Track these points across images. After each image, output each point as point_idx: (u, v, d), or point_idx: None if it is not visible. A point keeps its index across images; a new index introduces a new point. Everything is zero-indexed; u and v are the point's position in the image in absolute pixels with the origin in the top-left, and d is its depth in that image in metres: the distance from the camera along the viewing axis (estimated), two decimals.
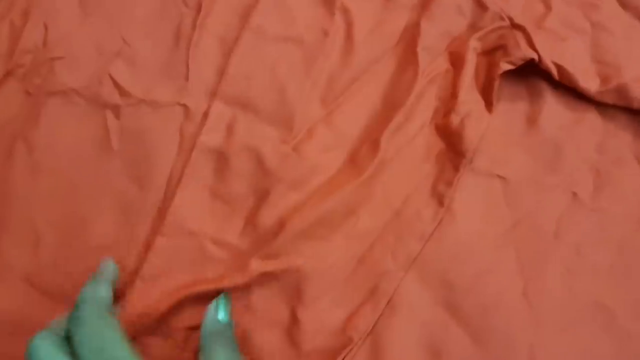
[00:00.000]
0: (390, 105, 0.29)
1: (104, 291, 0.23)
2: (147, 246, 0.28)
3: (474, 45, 0.29)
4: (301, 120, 0.29)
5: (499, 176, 0.29)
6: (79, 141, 0.30)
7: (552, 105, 0.30)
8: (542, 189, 0.29)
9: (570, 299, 0.27)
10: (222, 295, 0.26)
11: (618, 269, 0.28)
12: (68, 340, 0.21)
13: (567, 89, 0.29)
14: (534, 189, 0.29)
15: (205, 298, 0.26)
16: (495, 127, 0.29)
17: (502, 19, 0.30)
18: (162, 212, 0.28)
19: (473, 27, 0.30)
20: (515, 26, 0.29)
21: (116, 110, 0.30)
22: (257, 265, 0.26)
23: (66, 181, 0.29)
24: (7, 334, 0.27)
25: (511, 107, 0.30)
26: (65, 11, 0.31)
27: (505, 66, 0.28)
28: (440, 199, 0.28)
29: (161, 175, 0.29)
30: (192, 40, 0.30)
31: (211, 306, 0.25)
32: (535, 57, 0.28)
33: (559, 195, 0.29)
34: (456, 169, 0.28)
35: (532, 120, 0.30)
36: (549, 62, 0.28)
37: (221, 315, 0.25)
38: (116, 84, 0.30)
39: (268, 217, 0.27)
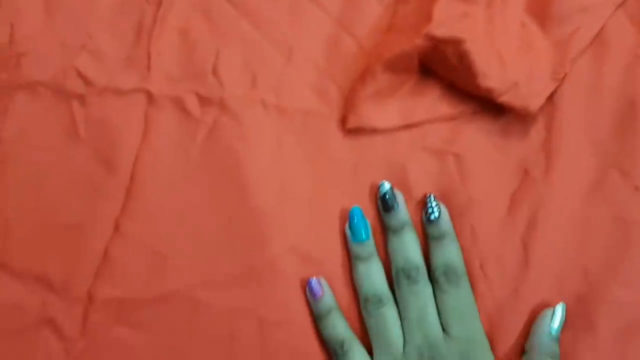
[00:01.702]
0: None
1: None
2: (116, 227, 0.29)
3: None
4: None
5: (452, 153, 0.30)
6: (46, 130, 0.31)
7: None
8: (493, 166, 0.30)
9: (527, 272, 0.28)
10: (562, 304, 0.26)
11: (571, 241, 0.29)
12: None
13: None
14: (486, 165, 0.30)
15: None
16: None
17: None
18: (129, 193, 0.30)
19: None
20: None
21: (81, 99, 0.31)
22: None
23: (34, 169, 0.30)
24: None
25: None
26: (30, 11, 0.33)
27: None
28: None
29: (127, 159, 0.30)
30: (152, 33, 0.32)
31: (547, 313, 0.26)
32: None
33: (511, 170, 0.30)
34: None
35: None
36: None
37: (555, 326, 0.26)
38: (81, 75, 0.32)
39: None
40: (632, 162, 0.30)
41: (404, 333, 0.26)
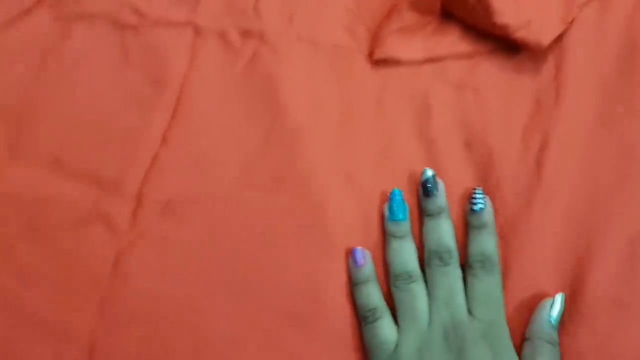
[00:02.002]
0: None
1: None
2: (164, 138, 0.33)
3: None
4: None
5: (471, 86, 0.34)
6: (102, 55, 0.35)
7: None
8: (508, 97, 0.33)
9: (540, 187, 0.31)
10: (561, 294, 0.28)
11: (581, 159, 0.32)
12: None
13: None
14: (501, 97, 0.33)
15: None
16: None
17: None
18: (176, 110, 0.33)
19: None
20: None
21: (135, 29, 0.35)
22: None
23: (91, 85, 0.34)
24: (36, 209, 0.31)
25: None
26: None
27: None
28: None
29: (175, 81, 0.34)
30: None
31: (547, 302, 0.27)
32: None
33: (524, 102, 0.33)
34: None
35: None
36: None
37: (555, 315, 0.27)
38: (135, 9, 0.35)
39: None
40: (634, 95, 0.33)
41: (430, 310, 0.27)
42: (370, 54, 0.34)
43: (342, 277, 0.30)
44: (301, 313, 0.29)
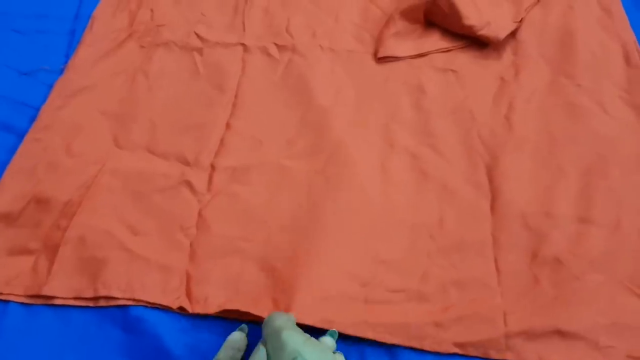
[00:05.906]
0: None
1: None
2: (228, 125, 0.44)
3: None
4: None
5: (452, 70, 0.46)
6: (177, 70, 0.47)
7: None
8: (480, 77, 0.45)
9: (511, 134, 0.42)
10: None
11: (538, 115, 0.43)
12: None
13: None
14: (475, 76, 0.45)
15: None
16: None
17: None
18: (235, 105, 0.45)
19: None
20: None
21: (200, 51, 0.48)
22: None
23: (171, 91, 0.46)
24: (137, 180, 0.42)
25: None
26: (163, 1, 0.50)
27: None
28: None
29: (232, 84, 0.46)
30: (244, 11, 0.49)
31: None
32: None
33: (492, 79, 0.45)
34: None
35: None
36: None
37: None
38: (199, 36, 0.48)
39: None
40: (573, 69, 0.44)
41: None
42: (375, 54, 0.46)
43: (366, 213, 0.40)
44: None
